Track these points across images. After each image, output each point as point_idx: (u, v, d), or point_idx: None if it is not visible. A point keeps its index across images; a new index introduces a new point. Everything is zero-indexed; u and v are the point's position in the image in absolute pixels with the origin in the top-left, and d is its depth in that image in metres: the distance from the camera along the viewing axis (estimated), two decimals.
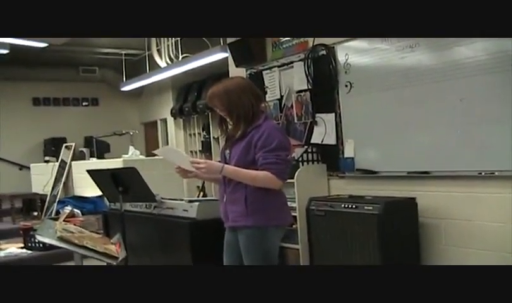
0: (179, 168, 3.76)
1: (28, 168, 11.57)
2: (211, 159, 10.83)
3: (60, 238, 5.44)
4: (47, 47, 9.25)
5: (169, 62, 10.47)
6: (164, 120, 13.07)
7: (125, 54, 12.20)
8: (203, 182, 7.31)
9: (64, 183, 9.72)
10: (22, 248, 6.00)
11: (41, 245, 5.81)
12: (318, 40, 6.03)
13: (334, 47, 5.92)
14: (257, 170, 3.58)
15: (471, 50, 4.67)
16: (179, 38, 10.01)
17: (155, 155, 9.00)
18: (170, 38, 10.37)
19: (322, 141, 6.08)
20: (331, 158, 5.99)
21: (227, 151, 3.78)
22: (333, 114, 5.96)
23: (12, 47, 9.00)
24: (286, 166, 3.68)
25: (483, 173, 4.64)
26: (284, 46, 6.63)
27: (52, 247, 5.47)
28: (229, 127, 3.83)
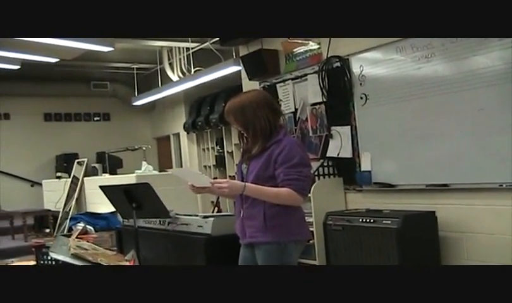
0: (193, 186, 3.68)
1: (40, 184, 11.56)
2: (225, 173, 10.84)
3: (74, 256, 5.40)
4: (58, 62, 9.22)
5: (181, 75, 10.46)
6: (177, 135, 13.03)
7: (136, 68, 12.20)
8: (218, 198, 7.25)
9: (76, 199, 9.69)
10: (34, 266, 5.93)
11: (54, 262, 5.74)
12: (332, 52, 5.98)
13: (348, 59, 5.88)
14: (276, 185, 3.50)
15: (488, 59, 4.62)
16: (191, 52, 9.98)
17: (168, 170, 9.01)
18: (182, 52, 10.35)
19: (338, 155, 6.02)
20: (348, 172, 5.93)
21: (244, 166, 3.71)
22: (348, 127, 5.90)
23: (23, 62, 8.99)
24: (307, 183, 3.61)
25: (504, 185, 4.56)
26: (298, 58, 6.57)
27: (64, 264, 5.41)
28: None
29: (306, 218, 3.92)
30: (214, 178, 3.86)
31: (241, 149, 3.85)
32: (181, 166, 12.60)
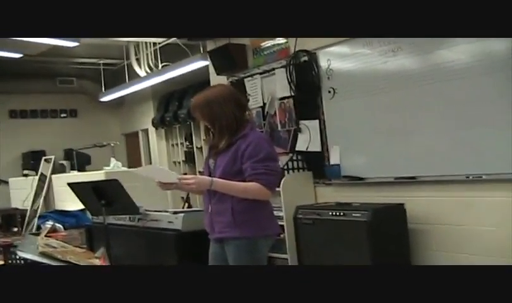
0: (160, 182, 3.67)
1: (7, 182, 11.39)
2: (195, 169, 10.81)
3: (43, 254, 5.38)
4: (22, 57, 9.10)
5: (148, 71, 10.38)
6: (146, 131, 12.95)
7: (103, 64, 12.07)
8: (188, 193, 7.22)
9: (44, 197, 9.56)
10: (3, 265, 5.88)
11: (22, 261, 5.70)
12: (300, 46, 5.99)
13: (315, 53, 5.90)
14: (244, 180, 3.51)
15: (454, 52, 4.67)
16: (158, 47, 9.92)
17: (137, 167, 8.96)
18: (149, 47, 10.28)
19: (307, 149, 6.04)
20: (317, 165, 5.95)
21: (212, 161, 3.71)
22: (317, 121, 5.93)
23: None
24: (275, 177, 3.62)
25: (471, 177, 4.63)
26: (265, 52, 6.58)
27: (33, 263, 5.37)
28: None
29: (276, 212, 3.95)
30: (184, 173, 3.85)
31: (208, 145, 3.86)
32: (150, 162, 12.53)
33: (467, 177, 4.64)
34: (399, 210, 5.02)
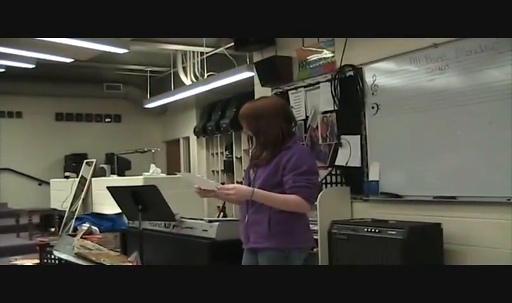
0: (199, 189, 3.65)
1: (48, 183, 11.55)
2: (233, 178, 10.81)
3: (78, 255, 5.38)
4: (73, 62, 9.24)
5: (194, 80, 10.45)
6: (187, 139, 13.03)
7: (150, 71, 12.21)
8: (224, 202, 7.21)
9: (83, 199, 9.68)
10: (37, 264, 5.92)
11: (57, 261, 5.73)
12: (346, 61, 5.96)
13: (361, 68, 5.85)
14: (283, 192, 3.47)
15: (502, 73, 4.59)
16: (205, 56, 9.98)
17: (176, 174, 8.99)
18: (196, 56, 10.36)
19: (346, 163, 5.97)
20: (355, 181, 5.88)
21: (252, 172, 3.68)
22: (358, 136, 5.86)
23: (38, 61, 9.01)
24: (315, 191, 3.60)
25: (511, 200, 4.50)
26: (311, 66, 6.54)
27: (68, 263, 5.39)
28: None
29: (311, 225, 3.88)
30: (222, 183, 3.84)
31: (250, 154, 3.83)
32: (189, 170, 12.61)
33: (508, 200, 4.52)
34: (435, 229, 4.92)
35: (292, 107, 6.64)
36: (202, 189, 3.61)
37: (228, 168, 11.54)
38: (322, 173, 5.92)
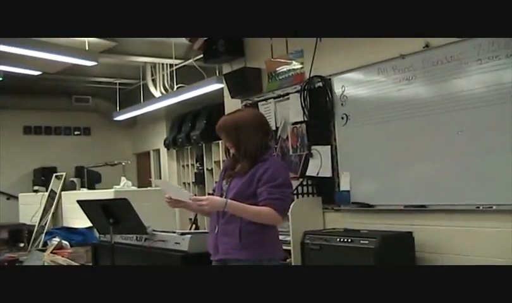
0: (170, 198, 3.64)
1: (16, 197, 11.41)
2: (204, 190, 10.77)
3: None
4: (41, 75, 9.17)
5: (163, 92, 10.42)
6: (157, 151, 12.96)
7: (119, 83, 12.12)
8: (196, 215, 7.19)
9: (53, 213, 9.58)
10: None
11: None
12: (315, 72, 6.00)
13: (330, 79, 5.89)
14: (256, 204, 3.48)
15: (469, 82, 4.68)
16: (174, 68, 9.96)
17: (147, 186, 8.95)
18: (165, 68, 10.33)
19: (317, 174, 6.00)
20: (326, 191, 5.92)
21: (225, 183, 3.68)
22: (329, 146, 5.90)
23: (5, 74, 8.93)
24: (288, 204, 3.64)
25: (481, 207, 4.58)
26: (280, 77, 6.57)
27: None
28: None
29: (283, 236, 3.92)
30: (194, 195, 3.83)
31: (223, 166, 3.83)
32: None
33: (477, 207, 4.59)
34: (407, 238, 4.97)
35: None
36: (173, 198, 3.62)
37: (199, 180, 11.49)
38: (294, 183, 5.93)
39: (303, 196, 6.01)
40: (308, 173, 6.11)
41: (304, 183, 6.06)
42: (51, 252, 6.01)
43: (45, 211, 9.80)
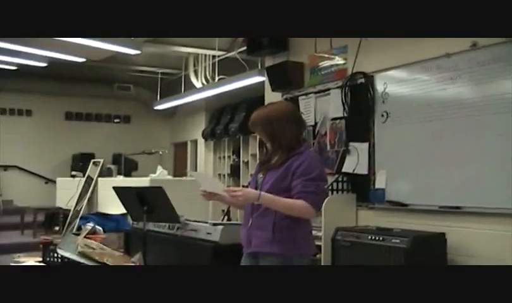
0: (205, 192, 3.62)
1: (54, 182, 11.54)
2: (239, 183, 10.77)
3: (81, 254, 5.37)
4: (84, 62, 9.25)
5: (204, 83, 10.43)
6: (195, 142, 13.02)
7: (161, 73, 12.18)
8: (229, 206, 7.17)
9: (88, 199, 9.63)
10: (40, 262, 5.89)
11: (59, 260, 5.69)
12: (358, 68, 5.95)
13: (373, 76, 5.83)
14: (291, 197, 3.44)
15: None
16: (217, 60, 9.96)
17: (182, 176, 8.95)
18: (208, 59, 10.34)
19: (353, 171, 5.93)
20: (361, 188, 5.85)
21: (260, 176, 3.64)
22: (367, 144, 5.83)
23: (50, 60, 9.01)
24: (322, 198, 3.61)
25: None
26: (322, 72, 6.51)
27: (71, 262, 5.36)
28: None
29: (315, 232, 3.86)
30: (228, 186, 3.82)
31: (258, 159, 3.80)
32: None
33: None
34: (439, 239, 4.89)
35: (301, 113, 6.61)
36: (208, 191, 3.60)
37: (235, 172, 11.50)
38: (329, 179, 5.89)
39: (337, 192, 5.99)
40: (344, 169, 6.04)
41: (340, 179, 6.03)
42: (85, 237, 6.03)
43: (81, 196, 9.86)
